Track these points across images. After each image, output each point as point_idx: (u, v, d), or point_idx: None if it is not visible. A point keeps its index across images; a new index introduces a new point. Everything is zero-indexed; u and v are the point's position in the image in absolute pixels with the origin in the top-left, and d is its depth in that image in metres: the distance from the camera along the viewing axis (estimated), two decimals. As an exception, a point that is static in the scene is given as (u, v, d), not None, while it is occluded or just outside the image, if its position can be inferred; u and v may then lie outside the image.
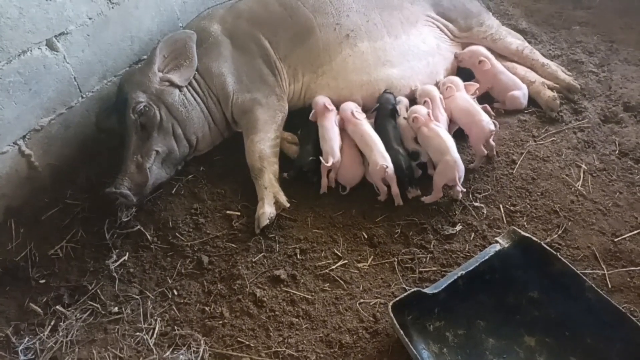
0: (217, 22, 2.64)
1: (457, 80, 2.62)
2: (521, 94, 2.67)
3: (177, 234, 2.27)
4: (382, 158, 2.27)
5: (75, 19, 2.43)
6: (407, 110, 2.51)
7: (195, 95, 2.52)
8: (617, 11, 3.29)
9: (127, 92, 2.39)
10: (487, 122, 2.37)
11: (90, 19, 2.50)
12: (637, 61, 2.93)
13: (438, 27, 2.86)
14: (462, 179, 2.23)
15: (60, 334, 1.93)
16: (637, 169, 2.35)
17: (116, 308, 2.02)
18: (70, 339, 1.91)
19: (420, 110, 2.42)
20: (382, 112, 2.50)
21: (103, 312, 2.01)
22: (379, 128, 2.44)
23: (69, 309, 2.02)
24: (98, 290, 2.08)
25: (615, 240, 2.07)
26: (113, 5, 2.60)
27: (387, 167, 2.23)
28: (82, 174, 2.56)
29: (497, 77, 2.70)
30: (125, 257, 2.20)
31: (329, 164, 2.33)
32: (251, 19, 2.65)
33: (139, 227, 2.30)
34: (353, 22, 2.66)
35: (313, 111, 2.54)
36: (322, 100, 2.53)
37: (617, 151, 2.44)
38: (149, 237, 2.27)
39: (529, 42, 3.04)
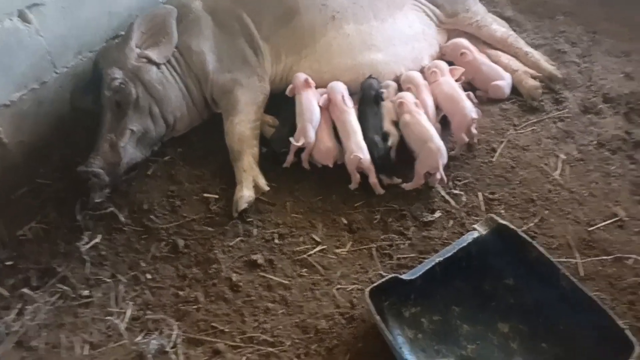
0: (198, -2, 2.56)
1: (443, 64, 2.60)
2: (505, 83, 2.66)
3: (152, 216, 2.22)
4: (357, 147, 2.25)
5: (49, -11, 2.34)
6: (394, 94, 2.48)
7: (173, 73, 2.45)
8: (600, 2, 3.29)
9: (102, 69, 2.31)
10: (470, 109, 2.36)
11: (65, -9, 2.41)
12: (619, 53, 2.94)
13: (424, 11, 2.82)
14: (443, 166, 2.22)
15: (27, 317, 1.87)
16: (613, 160, 2.37)
17: (87, 291, 1.96)
18: (38, 323, 1.86)
19: (408, 97, 2.39)
20: (365, 98, 2.46)
21: (73, 296, 1.95)
22: (360, 115, 2.41)
23: (37, 292, 1.96)
24: (68, 273, 2.02)
25: (590, 229, 2.09)
26: (90, -22, 2.50)
27: (361, 158, 2.21)
28: (56, 153, 2.48)
29: (479, 68, 2.69)
30: (98, 240, 2.14)
31: (299, 143, 2.29)
32: (234, -4, 2.58)
33: (112, 208, 2.24)
34: (339, 4, 2.60)
35: (290, 85, 2.48)
36: (304, 75, 2.48)
37: (595, 142, 2.45)
38: (122, 219, 2.21)
39: (514, 30, 3.02)
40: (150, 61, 2.38)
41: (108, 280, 2.01)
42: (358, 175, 2.27)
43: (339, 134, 2.37)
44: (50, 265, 2.05)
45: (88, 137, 2.40)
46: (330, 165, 2.33)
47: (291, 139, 2.32)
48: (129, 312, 1.89)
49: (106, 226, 2.20)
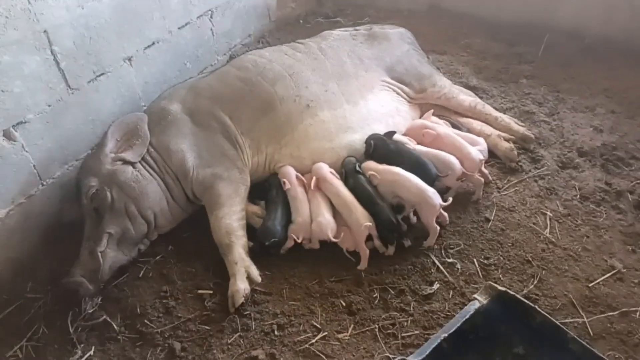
0: (177, 102, 2.66)
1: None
2: (481, 148, 2.75)
3: (145, 320, 2.15)
4: (363, 217, 2.29)
5: (33, 107, 2.41)
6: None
7: (150, 170, 2.49)
8: (558, 64, 3.50)
9: (80, 179, 2.37)
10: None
11: (49, 106, 2.48)
12: (584, 108, 3.09)
13: (394, 90, 2.96)
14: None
15: None
16: (599, 212, 2.41)
17: (82, 411, 1.86)
18: None
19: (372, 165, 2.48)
20: (350, 173, 2.51)
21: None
22: (355, 189, 2.44)
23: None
24: (62, 393, 1.93)
25: (590, 285, 2.08)
26: (73, 91, 2.60)
27: (370, 225, 2.25)
28: (44, 266, 2.44)
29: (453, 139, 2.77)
30: (91, 352, 2.06)
31: (300, 240, 2.34)
32: (211, 96, 2.68)
33: (104, 317, 2.18)
34: (312, 93, 2.72)
35: (284, 180, 2.53)
36: (293, 171, 2.57)
37: (578, 196, 2.51)
38: (115, 327, 2.14)
39: (481, 98, 3.17)
40: (125, 162, 2.43)
41: (103, 396, 1.91)
42: (367, 251, 2.27)
43: (339, 211, 2.41)
44: (41, 387, 1.96)
45: (76, 247, 2.38)
46: (331, 239, 2.30)
47: (292, 234, 2.35)
48: None
49: (99, 336, 2.13)
